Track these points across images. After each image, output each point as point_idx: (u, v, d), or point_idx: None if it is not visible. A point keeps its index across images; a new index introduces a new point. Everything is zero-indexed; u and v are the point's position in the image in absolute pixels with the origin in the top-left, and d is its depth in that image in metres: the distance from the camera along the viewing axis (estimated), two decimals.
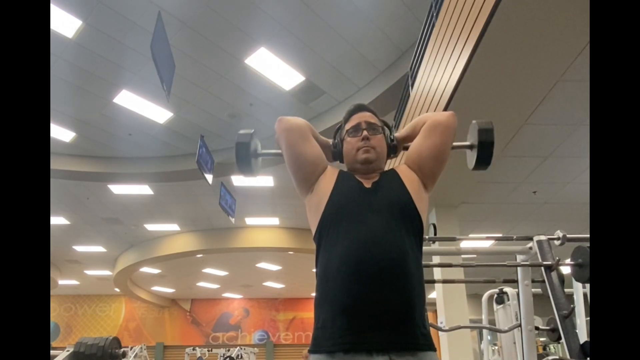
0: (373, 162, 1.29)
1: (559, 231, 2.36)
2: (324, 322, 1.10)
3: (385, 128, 1.40)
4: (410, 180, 1.26)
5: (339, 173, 1.29)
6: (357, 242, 1.13)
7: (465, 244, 6.43)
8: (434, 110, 3.97)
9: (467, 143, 1.53)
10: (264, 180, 7.94)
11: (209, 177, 6.64)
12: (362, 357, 1.03)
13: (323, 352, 1.07)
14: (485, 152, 1.46)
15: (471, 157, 1.52)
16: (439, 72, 3.87)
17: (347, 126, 1.36)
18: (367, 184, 1.25)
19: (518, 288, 2.48)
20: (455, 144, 1.45)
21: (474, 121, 1.51)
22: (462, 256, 4.41)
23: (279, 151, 1.47)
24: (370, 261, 1.10)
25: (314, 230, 1.25)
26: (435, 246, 2.81)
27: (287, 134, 1.31)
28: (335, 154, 1.42)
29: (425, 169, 1.28)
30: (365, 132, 1.30)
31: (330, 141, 1.45)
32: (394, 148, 1.40)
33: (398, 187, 1.24)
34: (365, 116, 1.35)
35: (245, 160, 1.48)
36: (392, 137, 1.40)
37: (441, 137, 1.28)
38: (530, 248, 2.44)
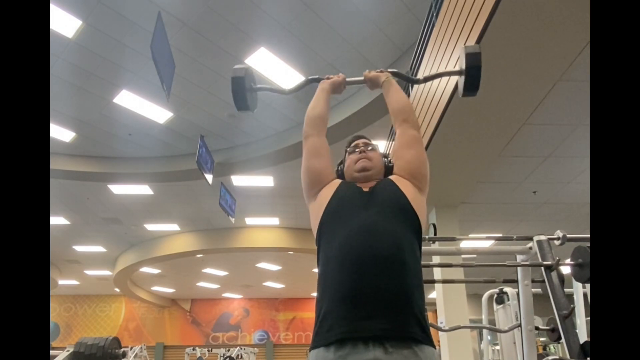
0: (370, 170, 1.44)
1: (559, 231, 2.36)
2: (322, 316, 1.14)
3: (382, 152, 1.60)
4: (404, 185, 1.37)
5: (340, 182, 1.44)
6: (353, 234, 1.20)
7: (465, 244, 6.43)
8: (434, 111, 3.97)
9: (457, 69, 1.56)
10: (264, 180, 7.92)
11: (209, 177, 6.64)
12: (359, 348, 1.05)
13: (320, 346, 1.10)
14: (472, 76, 1.49)
15: (461, 83, 1.57)
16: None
17: (349, 150, 1.58)
18: (365, 188, 1.37)
19: (518, 288, 2.49)
20: (446, 70, 1.47)
21: (462, 45, 1.53)
22: (462, 256, 4.41)
23: (273, 87, 1.69)
24: (366, 250, 1.16)
25: (315, 233, 1.33)
26: (435, 246, 2.81)
27: (305, 151, 1.52)
28: (339, 175, 1.57)
29: (417, 174, 1.42)
30: (362, 147, 1.51)
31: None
32: (390, 169, 1.52)
33: (394, 190, 1.35)
34: (362, 140, 1.58)
35: (240, 94, 1.62)
36: (389, 160, 1.54)
37: (419, 147, 1.49)
38: (530, 248, 2.44)
